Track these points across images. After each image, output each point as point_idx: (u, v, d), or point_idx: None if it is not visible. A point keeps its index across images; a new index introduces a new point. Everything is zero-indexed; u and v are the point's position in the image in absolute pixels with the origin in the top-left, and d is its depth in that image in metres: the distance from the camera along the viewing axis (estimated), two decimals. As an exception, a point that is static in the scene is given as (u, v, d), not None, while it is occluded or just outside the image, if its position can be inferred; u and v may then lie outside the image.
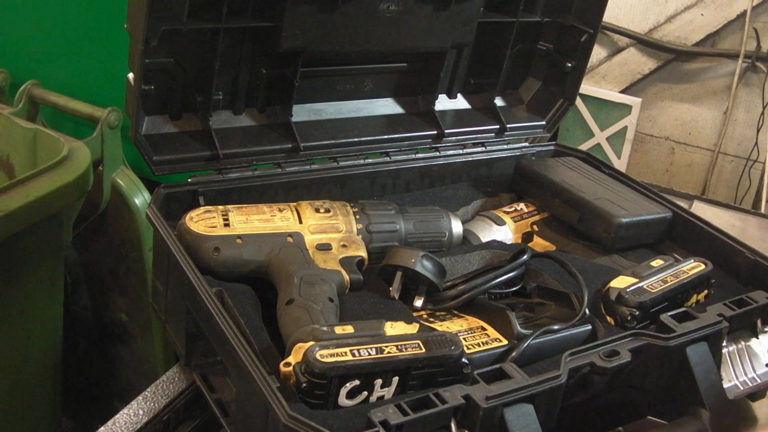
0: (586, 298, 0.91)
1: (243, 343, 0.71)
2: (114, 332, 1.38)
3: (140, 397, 0.93)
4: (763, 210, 2.64)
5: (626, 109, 2.87)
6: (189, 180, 1.01)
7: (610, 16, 2.81)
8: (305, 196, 1.06)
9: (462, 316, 0.91)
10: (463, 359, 0.75)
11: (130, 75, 0.93)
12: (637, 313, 0.88)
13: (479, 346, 0.84)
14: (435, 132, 1.23)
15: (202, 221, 0.91)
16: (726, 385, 0.89)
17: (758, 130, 2.84)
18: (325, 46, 1.07)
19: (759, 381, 0.94)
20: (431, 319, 0.90)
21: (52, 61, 1.39)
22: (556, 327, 0.86)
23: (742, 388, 0.93)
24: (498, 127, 1.29)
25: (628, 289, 0.90)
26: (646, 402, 0.88)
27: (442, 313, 0.92)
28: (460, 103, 1.31)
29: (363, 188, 1.15)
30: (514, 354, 0.82)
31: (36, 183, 1.00)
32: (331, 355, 0.69)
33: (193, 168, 1.03)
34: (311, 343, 0.72)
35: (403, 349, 0.72)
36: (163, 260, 0.91)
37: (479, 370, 0.73)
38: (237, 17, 1.00)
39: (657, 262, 0.97)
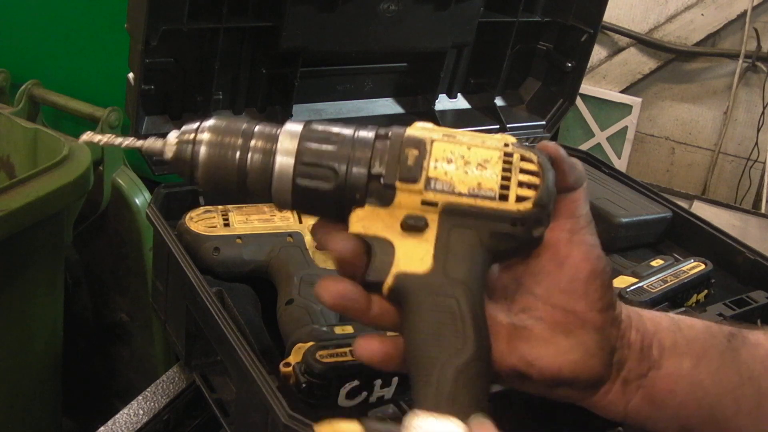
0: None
1: (243, 343, 0.71)
2: (114, 332, 1.38)
3: (140, 397, 0.93)
4: (763, 210, 2.64)
5: (626, 109, 2.87)
6: (189, 180, 1.01)
7: (610, 16, 2.81)
8: (305, 196, 1.06)
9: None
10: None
11: (130, 75, 0.93)
12: (638, 313, 0.88)
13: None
14: (435, 132, 1.23)
15: (202, 221, 0.91)
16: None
17: (758, 130, 2.84)
18: (325, 46, 1.07)
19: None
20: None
21: (52, 61, 1.39)
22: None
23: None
24: (498, 127, 1.29)
25: (628, 289, 0.90)
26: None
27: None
28: (460, 103, 1.30)
29: (363, 188, 1.15)
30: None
31: (36, 183, 1.00)
32: (331, 356, 0.69)
33: (194, 168, 1.03)
34: (311, 343, 0.72)
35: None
36: (163, 260, 0.91)
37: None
38: (237, 17, 1.00)
39: (657, 262, 0.97)
